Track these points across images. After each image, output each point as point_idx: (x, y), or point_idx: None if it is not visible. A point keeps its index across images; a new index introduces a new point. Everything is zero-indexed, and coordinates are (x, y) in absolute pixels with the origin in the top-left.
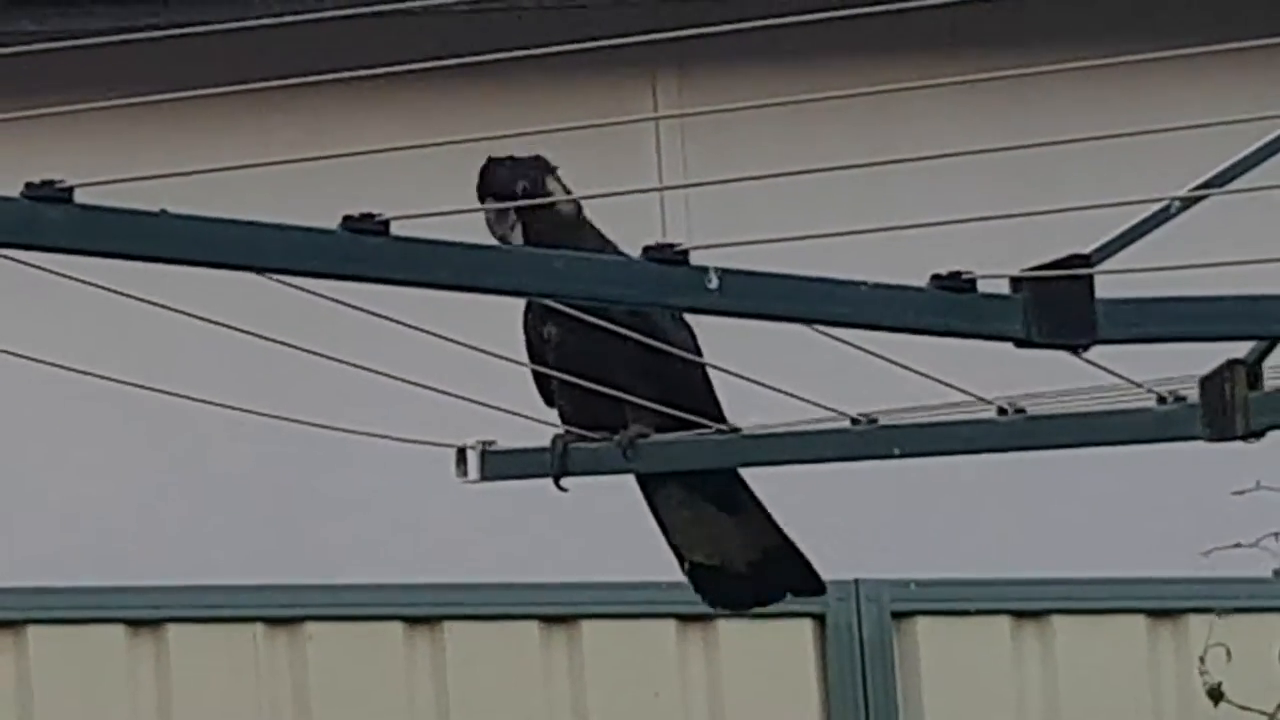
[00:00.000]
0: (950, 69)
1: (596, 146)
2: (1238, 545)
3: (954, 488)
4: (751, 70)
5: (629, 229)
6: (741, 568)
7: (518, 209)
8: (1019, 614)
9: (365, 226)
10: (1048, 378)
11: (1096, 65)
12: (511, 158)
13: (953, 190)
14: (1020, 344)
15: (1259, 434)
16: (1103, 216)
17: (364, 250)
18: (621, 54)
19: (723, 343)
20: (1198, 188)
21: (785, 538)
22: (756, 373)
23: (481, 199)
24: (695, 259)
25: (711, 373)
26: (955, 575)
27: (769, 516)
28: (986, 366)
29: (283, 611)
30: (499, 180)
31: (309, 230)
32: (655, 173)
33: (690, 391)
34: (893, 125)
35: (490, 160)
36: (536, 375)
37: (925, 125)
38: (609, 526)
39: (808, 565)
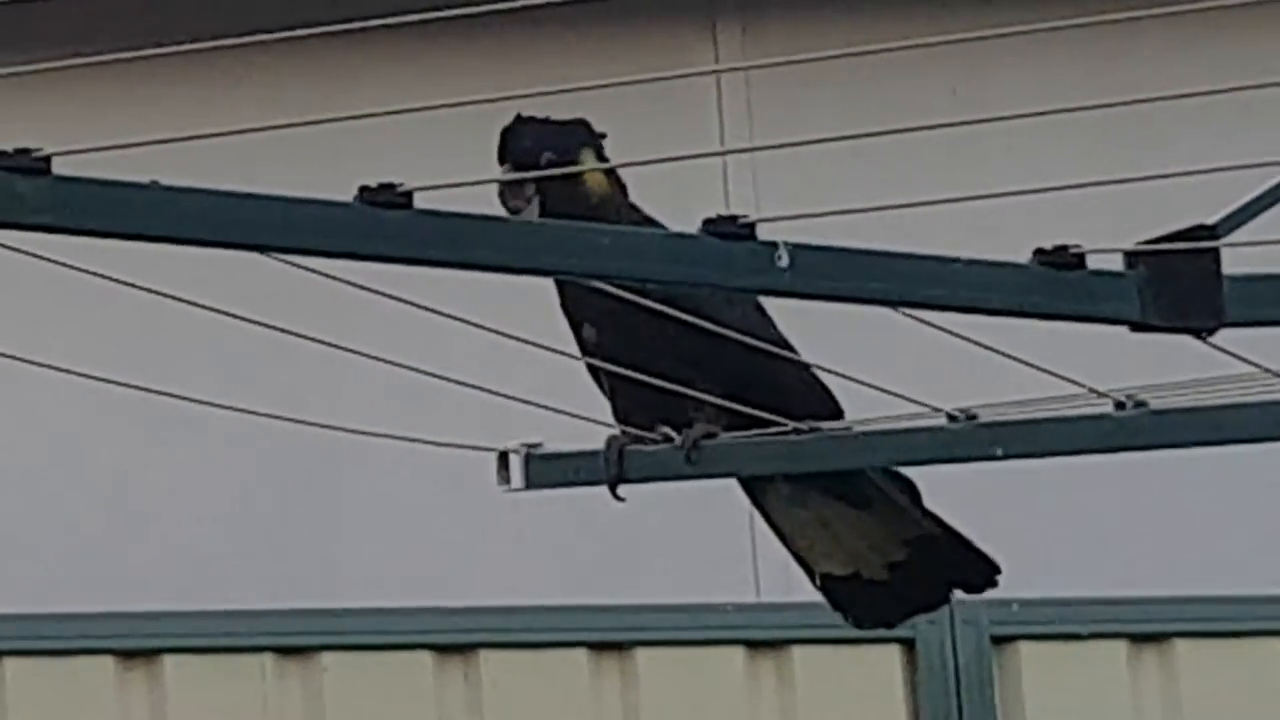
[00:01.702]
0: (1048, 15)
1: (649, 106)
2: None
3: (1063, 493)
4: (824, 17)
5: (688, 200)
6: (882, 573)
7: (538, 180)
8: (1137, 638)
9: (386, 199)
10: (1159, 368)
11: (1211, 6)
12: (546, 119)
13: (1051, 154)
14: (1136, 328)
15: None
16: (1222, 182)
17: (385, 225)
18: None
19: (802, 330)
20: None
21: (936, 522)
22: (835, 362)
23: (501, 164)
24: (763, 233)
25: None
26: (1064, 594)
27: (914, 499)
28: (1092, 355)
29: (294, 640)
30: (521, 146)
31: (322, 203)
32: (717, 135)
33: (767, 381)
34: (984, 79)
35: (518, 119)
36: (590, 372)
37: (1020, 80)
38: (665, 540)
39: (972, 550)
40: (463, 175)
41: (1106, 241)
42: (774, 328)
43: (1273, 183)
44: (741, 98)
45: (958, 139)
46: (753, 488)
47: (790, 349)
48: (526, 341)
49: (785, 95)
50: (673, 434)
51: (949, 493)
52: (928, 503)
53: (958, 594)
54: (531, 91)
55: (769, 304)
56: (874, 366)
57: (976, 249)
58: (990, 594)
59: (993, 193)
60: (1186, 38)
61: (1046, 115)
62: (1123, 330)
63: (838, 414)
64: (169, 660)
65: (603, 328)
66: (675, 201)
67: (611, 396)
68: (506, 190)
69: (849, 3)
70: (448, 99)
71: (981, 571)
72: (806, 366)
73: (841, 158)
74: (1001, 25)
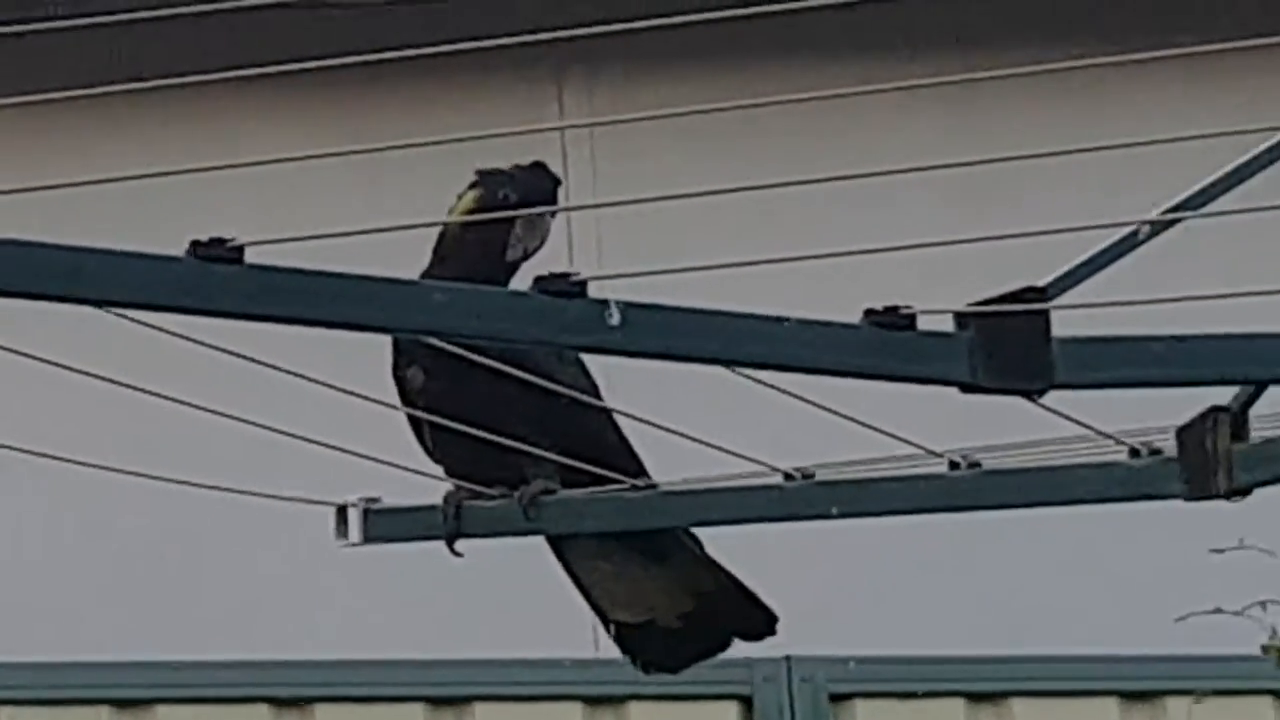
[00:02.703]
0: (898, 75)
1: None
2: (1218, 611)
3: (899, 553)
4: (670, 74)
5: (536, 258)
6: (674, 621)
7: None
8: (973, 696)
9: (216, 253)
10: (1002, 429)
11: (1058, 69)
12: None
13: (899, 214)
14: (966, 388)
15: (1244, 492)
16: (1064, 244)
17: (215, 280)
18: (522, 55)
19: (639, 387)
20: (1169, 210)
21: (725, 575)
22: (675, 421)
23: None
24: (601, 290)
25: (626, 423)
26: (900, 652)
27: (703, 554)
28: (936, 415)
29: (132, 692)
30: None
31: (153, 258)
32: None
33: (596, 442)
34: (833, 140)
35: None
36: (413, 424)
37: (870, 140)
38: (505, 595)
39: (754, 602)
40: (301, 228)
41: (950, 303)
42: (593, 385)
43: (1104, 245)
44: (586, 154)
45: (807, 198)
46: (557, 540)
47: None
48: (362, 396)
49: (631, 153)
50: (510, 491)
51: (788, 549)
52: (765, 565)
53: (796, 650)
54: (379, 146)
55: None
56: (715, 425)
57: (831, 309)
58: (828, 651)
59: (826, 253)
60: (1035, 102)
61: (894, 174)
62: (957, 391)
63: (641, 472)
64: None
65: (438, 381)
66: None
67: (440, 450)
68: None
69: (694, 59)
70: (291, 152)
71: (760, 621)
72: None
73: (688, 216)
74: (846, 85)
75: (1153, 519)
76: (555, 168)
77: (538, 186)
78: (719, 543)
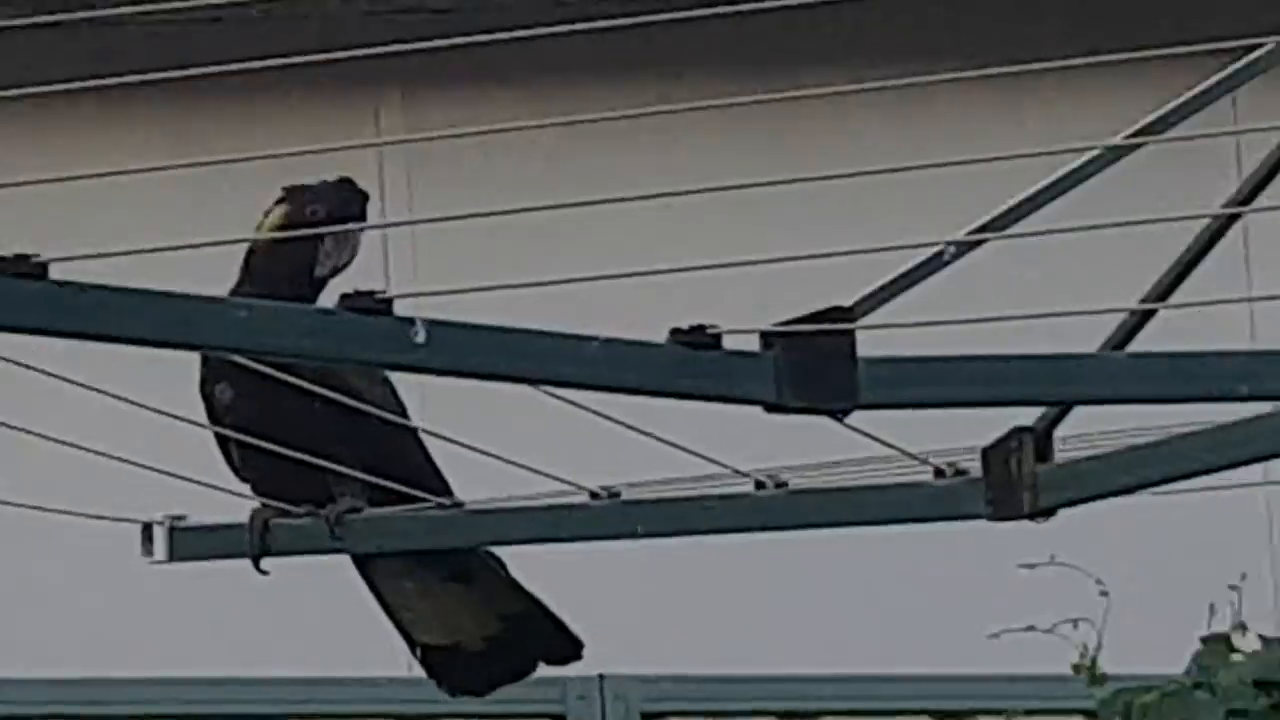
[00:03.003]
0: (703, 94)
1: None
2: (1030, 629)
3: (711, 572)
4: (485, 94)
5: (350, 273)
6: (479, 644)
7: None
8: (786, 715)
9: (20, 269)
10: (820, 447)
11: (865, 89)
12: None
13: (711, 232)
14: (771, 408)
15: (1049, 512)
16: (874, 263)
17: (18, 296)
18: (340, 74)
19: (452, 406)
20: (975, 231)
21: (531, 600)
22: (485, 440)
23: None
24: (420, 307)
25: (433, 441)
26: (713, 671)
27: (509, 579)
28: (750, 435)
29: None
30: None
31: None
32: (378, 209)
33: (403, 461)
34: (648, 159)
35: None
36: (221, 443)
37: (684, 158)
38: (318, 613)
39: (560, 627)
40: (134, 244)
41: (759, 322)
42: (399, 404)
43: (909, 265)
44: (402, 173)
45: (620, 215)
46: (362, 560)
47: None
48: (169, 414)
49: (447, 171)
50: (316, 510)
51: (602, 566)
52: (577, 584)
53: (609, 668)
54: (192, 162)
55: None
56: (526, 444)
57: (647, 325)
58: (642, 670)
59: (635, 271)
60: (842, 120)
61: (705, 193)
62: (777, 410)
63: (445, 491)
64: None
65: (246, 399)
66: (338, 276)
67: (247, 468)
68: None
69: (508, 79)
70: (103, 168)
71: (565, 647)
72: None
73: (503, 233)
74: (648, 105)
75: (965, 536)
76: (371, 186)
77: (345, 201)
78: (530, 561)
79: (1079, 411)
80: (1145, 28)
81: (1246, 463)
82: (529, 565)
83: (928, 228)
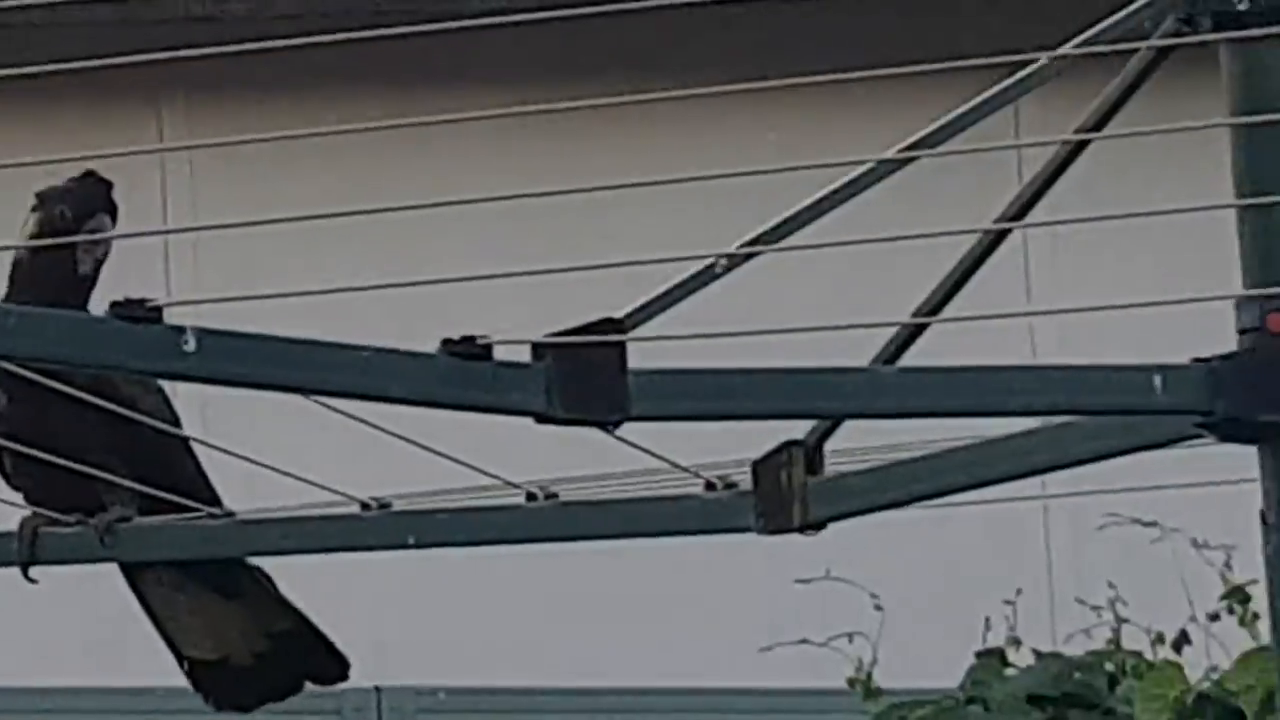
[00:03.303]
0: (481, 103)
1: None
2: (804, 642)
3: (488, 584)
4: (268, 102)
5: (130, 280)
6: (247, 660)
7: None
8: None
9: None
10: (600, 459)
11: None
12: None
13: (488, 242)
14: (541, 419)
15: (819, 526)
16: (653, 275)
17: None
18: (122, 80)
19: (228, 415)
20: (747, 244)
21: (300, 618)
22: (261, 450)
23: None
24: (192, 315)
25: (205, 451)
26: (489, 683)
27: (279, 596)
28: (517, 446)
29: None
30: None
31: None
32: (160, 215)
33: (173, 470)
34: (426, 166)
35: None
36: None
37: (464, 167)
38: (86, 622)
39: (329, 647)
40: None
41: (539, 333)
42: (171, 412)
43: (681, 278)
44: (185, 178)
45: (400, 224)
46: (131, 572)
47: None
48: None
49: (230, 176)
50: (86, 518)
51: (381, 581)
52: (353, 595)
53: (385, 680)
54: None
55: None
56: (295, 454)
57: (425, 335)
58: (418, 681)
59: (409, 281)
60: (627, 131)
61: (488, 203)
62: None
63: (214, 501)
64: None
65: (19, 406)
66: (117, 281)
67: (18, 476)
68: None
69: (288, 88)
70: None
71: (333, 666)
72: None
73: (285, 239)
74: (438, 113)
75: (743, 549)
76: (154, 191)
77: (88, 195)
78: (311, 575)
79: (849, 425)
80: (929, 42)
81: (1016, 478)
82: (309, 576)
83: (706, 240)
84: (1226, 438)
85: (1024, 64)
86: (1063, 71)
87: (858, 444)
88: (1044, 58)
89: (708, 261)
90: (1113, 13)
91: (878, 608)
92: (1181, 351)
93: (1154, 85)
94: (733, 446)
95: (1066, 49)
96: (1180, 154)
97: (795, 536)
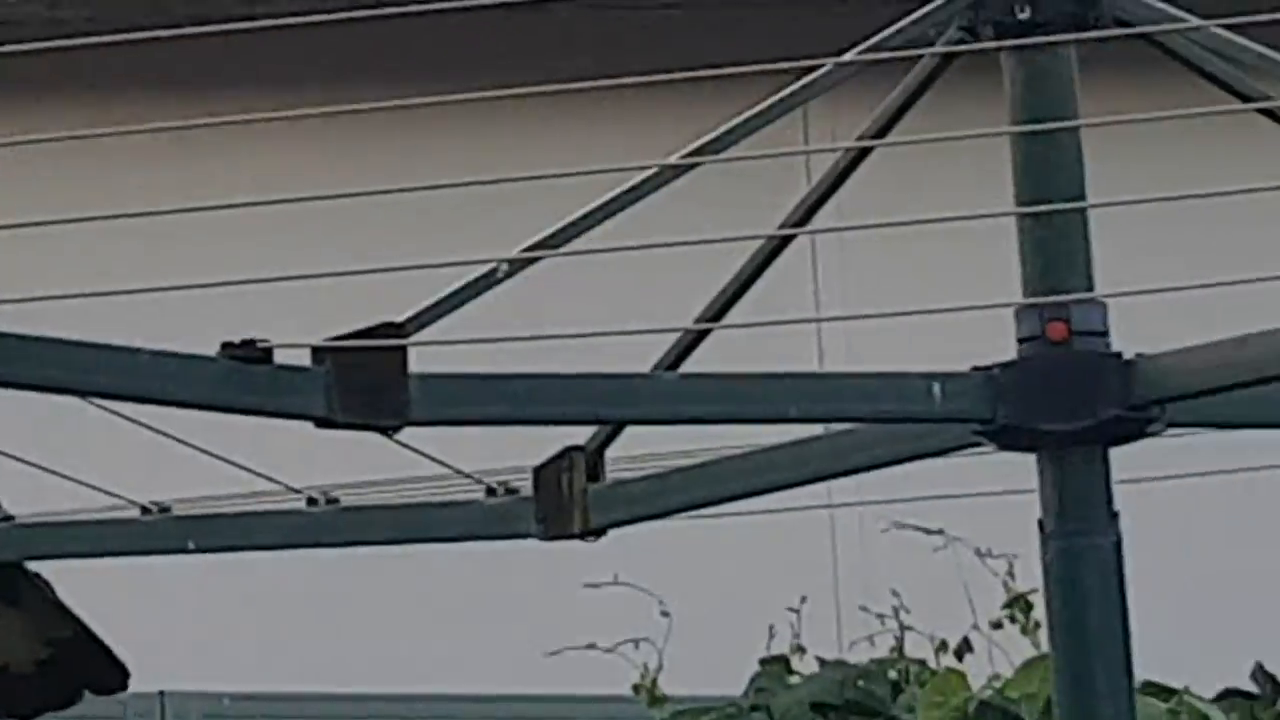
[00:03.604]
0: (269, 105)
1: None
2: (590, 647)
3: (271, 590)
4: (52, 99)
5: None
6: (28, 668)
7: None
8: None
9: None
10: (388, 464)
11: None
12: None
13: (263, 247)
14: (322, 423)
15: (599, 532)
16: (443, 279)
17: None
18: None
19: (9, 416)
20: (529, 249)
21: (80, 626)
22: (43, 453)
23: None
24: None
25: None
26: (274, 689)
27: (58, 603)
28: (301, 450)
29: None
30: None
31: None
32: None
33: None
34: (201, 169)
35: None
36: None
37: (242, 170)
38: None
39: (109, 656)
40: None
41: (317, 337)
42: None
43: (463, 282)
44: None
45: (175, 227)
46: None
47: None
48: None
49: (13, 176)
50: None
51: (165, 586)
52: (136, 599)
53: (169, 685)
54: None
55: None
56: (75, 457)
57: (199, 344)
58: (203, 687)
59: (184, 285)
60: (405, 135)
61: (261, 206)
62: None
63: None
64: None
65: None
66: None
67: None
68: None
69: (72, 86)
70: None
71: (114, 675)
72: None
73: (68, 241)
74: (203, 116)
75: (531, 554)
76: None
77: None
78: (92, 579)
79: (631, 431)
80: (716, 48)
81: (795, 485)
82: (90, 580)
83: (493, 244)
84: (1006, 446)
85: (811, 69)
86: (848, 78)
87: (653, 450)
88: (829, 64)
89: (490, 266)
90: (900, 19)
91: (664, 614)
92: (975, 359)
93: (943, 92)
94: (516, 452)
95: (851, 55)
96: (967, 161)
97: (582, 543)
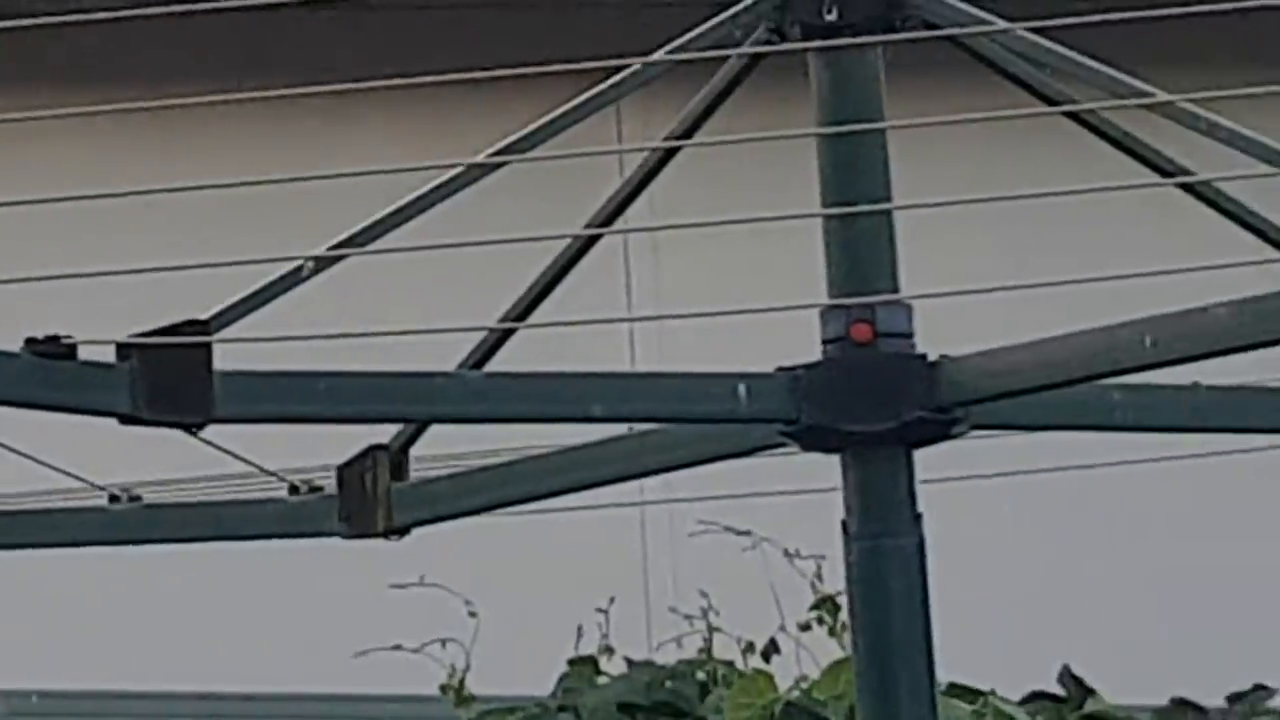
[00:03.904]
0: (80, 99)
1: None
2: (398, 648)
3: (77, 586)
4: None
5: None
6: None
7: None
8: None
9: None
10: (194, 460)
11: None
12: None
13: (70, 242)
14: (126, 420)
15: (402, 531)
16: (250, 276)
17: None
18: None
19: None
20: (334, 247)
21: None
22: None
23: None
24: None
25: None
26: (80, 686)
27: None
28: (127, 448)
29: None
30: None
31: None
32: None
33: None
34: (31, 165)
35: None
36: None
37: (70, 165)
38: None
39: None
40: None
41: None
42: None
43: (268, 280)
44: None
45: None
46: None
47: None
48: None
49: None
50: None
51: None
52: None
53: None
54: None
55: None
56: None
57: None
58: (11, 685)
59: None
60: (221, 127)
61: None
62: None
63: None
64: None
65: None
66: None
67: None
68: None
69: None
70: None
71: None
72: None
73: None
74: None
75: (337, 553)
76: None
77: None
78: None
79: (436, 430)
80: (525, 48)
81: (598, 484)
82: None
83: (300, 242)
84: (810, 447)
85: (621, 69)
86: (656, 77)
87: (468, 449)
88: (637, 63)
89: (296, 264)
90: (709, 19)
91: (472, 614)
92: (792, 359)
93: (761, 92)
94: (321, 450)
95: (660, 55)
96: (783, 162)
97: (389, 542)
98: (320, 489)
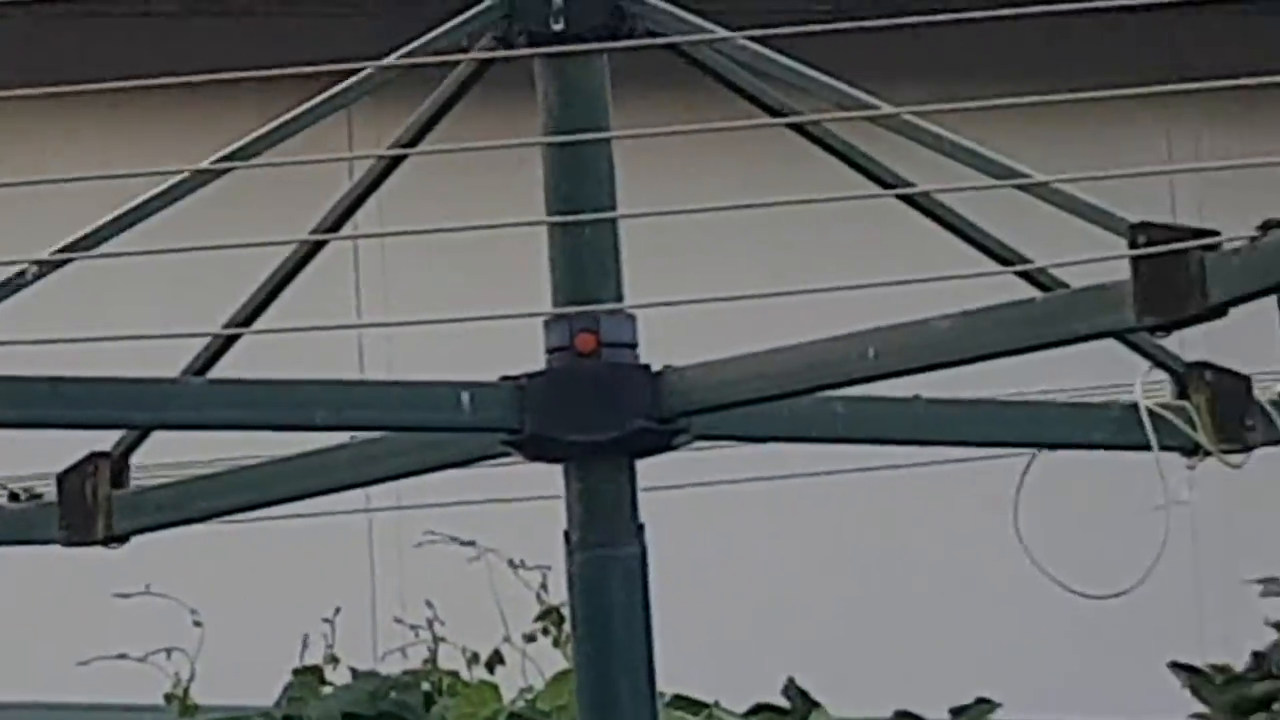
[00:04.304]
0: None
1: None
2: (122, 657)
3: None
4: None
5: None
6: None
7: None
8: None
9: None
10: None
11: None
12: None
13: None
14: None
15: (122, 538)
16: None
17: None
18: None
19: None
20: (58, 251)
21: None
22: None
23: None
24: None
25: None
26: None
27: None
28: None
29: None
30: None
31: None
32: None
33: None
34: None
35: None
36: None
37: None
38: None
39: None
40: None
41: None
42: None
43: None
44: None
45: None
46: None
47: None
48: None
49: None
50: None
51: None
52: None
53: None
54: None
55: None
56: None
57: None
58: None
59: None
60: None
61: None
62: None
63: None
64: None
65: None
66: None
67: None
68: None
69: None
70: None
71: None
72: None
73: None
74: None
75: (60, 561)
76: None
77: None
78: None
79: (159, 438)
80: (264, 52)
81: (319, 494)
82: None
83: (23, 246)
84: (533, 456)
85: (353, 73)
86: (386, 83)
87: (192, 458)
88: (369, 68)
89: (19, 268)
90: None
91: (197, 623)
92: (517, 367)
93: (495, 101)
94: (41, 458)
95: (391, 60)
96: (508, 170)
97: (111, 550)
98: (40, 496)
